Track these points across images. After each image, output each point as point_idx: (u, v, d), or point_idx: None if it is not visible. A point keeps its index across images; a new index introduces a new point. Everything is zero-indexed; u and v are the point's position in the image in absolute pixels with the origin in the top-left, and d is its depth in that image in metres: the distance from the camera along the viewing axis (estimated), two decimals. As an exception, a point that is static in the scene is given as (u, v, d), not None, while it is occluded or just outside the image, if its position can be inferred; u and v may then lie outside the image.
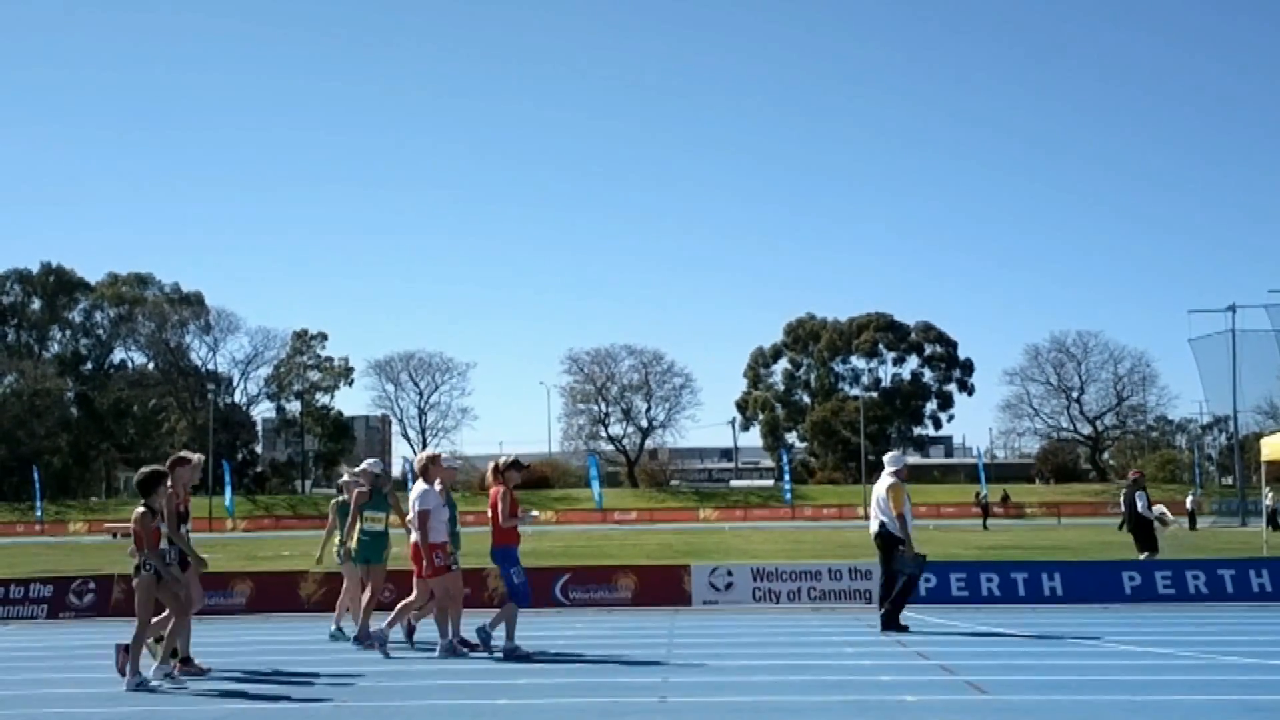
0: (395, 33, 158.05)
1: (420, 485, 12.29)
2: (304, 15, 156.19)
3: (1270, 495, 42.51)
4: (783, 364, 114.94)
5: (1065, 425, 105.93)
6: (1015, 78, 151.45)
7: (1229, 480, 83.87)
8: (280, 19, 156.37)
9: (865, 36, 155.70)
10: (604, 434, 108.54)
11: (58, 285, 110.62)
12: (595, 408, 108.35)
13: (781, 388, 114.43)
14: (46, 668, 12.58)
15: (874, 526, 13.79)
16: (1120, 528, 20.08)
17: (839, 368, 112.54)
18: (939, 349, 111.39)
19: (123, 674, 10.77)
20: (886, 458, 14.40)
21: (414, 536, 12.38)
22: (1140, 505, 19.81)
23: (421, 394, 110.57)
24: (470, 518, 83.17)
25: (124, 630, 16.04)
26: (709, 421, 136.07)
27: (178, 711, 9.71)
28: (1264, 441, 25.20)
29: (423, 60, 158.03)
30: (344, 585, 13.97)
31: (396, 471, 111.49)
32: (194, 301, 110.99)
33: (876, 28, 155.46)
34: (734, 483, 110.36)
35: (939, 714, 8.79)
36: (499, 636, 12.24)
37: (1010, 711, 8.87)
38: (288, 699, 10.12)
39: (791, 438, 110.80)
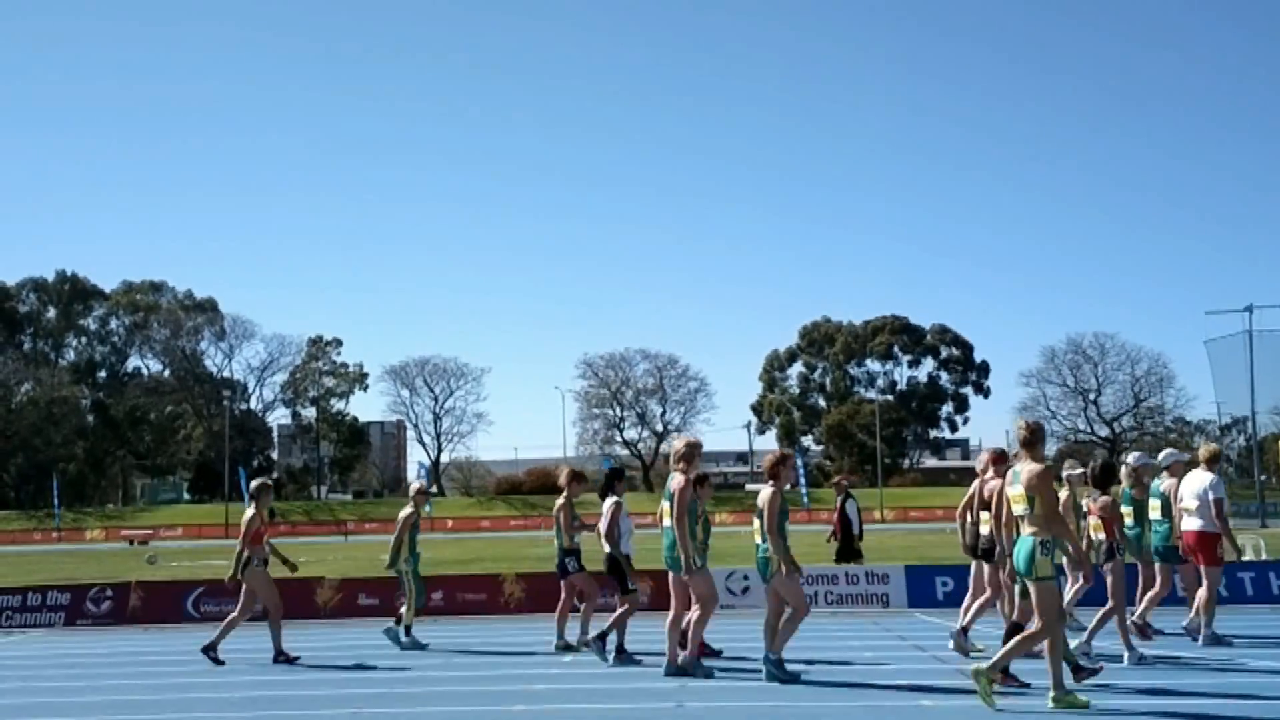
0: (407, 41, 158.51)
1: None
2: (317, 25, 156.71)
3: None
4: (798, 367, 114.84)
5: (1083, 427, 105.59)
6: (1029, 81, 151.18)
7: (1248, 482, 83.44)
8: (293, 28, 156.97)
9: (879, 41, 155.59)
10: (619, 438, 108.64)
11: (73, 293, 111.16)
12: (610, 412, 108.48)
13: (797, 391, 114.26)
14: (64, 676, 12.59)
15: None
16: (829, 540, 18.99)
17: (854, 371, 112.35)
18: (955, 351, 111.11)
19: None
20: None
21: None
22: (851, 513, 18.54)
23: (436, 399, 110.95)
24: (485, 523, 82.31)
25: (139, 635, 16.07)
26: (724, 425, 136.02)
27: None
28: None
29: (436, 68, 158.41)
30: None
31: (411, 475, 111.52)
32: (208, 308, 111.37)
33: (892, 31, 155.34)
34: (750, 486, 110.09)
35: (957, 718, 8.74)
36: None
37: (1029, 715, 8.81)
38: (308, 706, 10.10)
39: (807, 441, 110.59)
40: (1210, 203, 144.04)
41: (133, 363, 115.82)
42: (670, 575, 11.11)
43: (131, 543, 64.52)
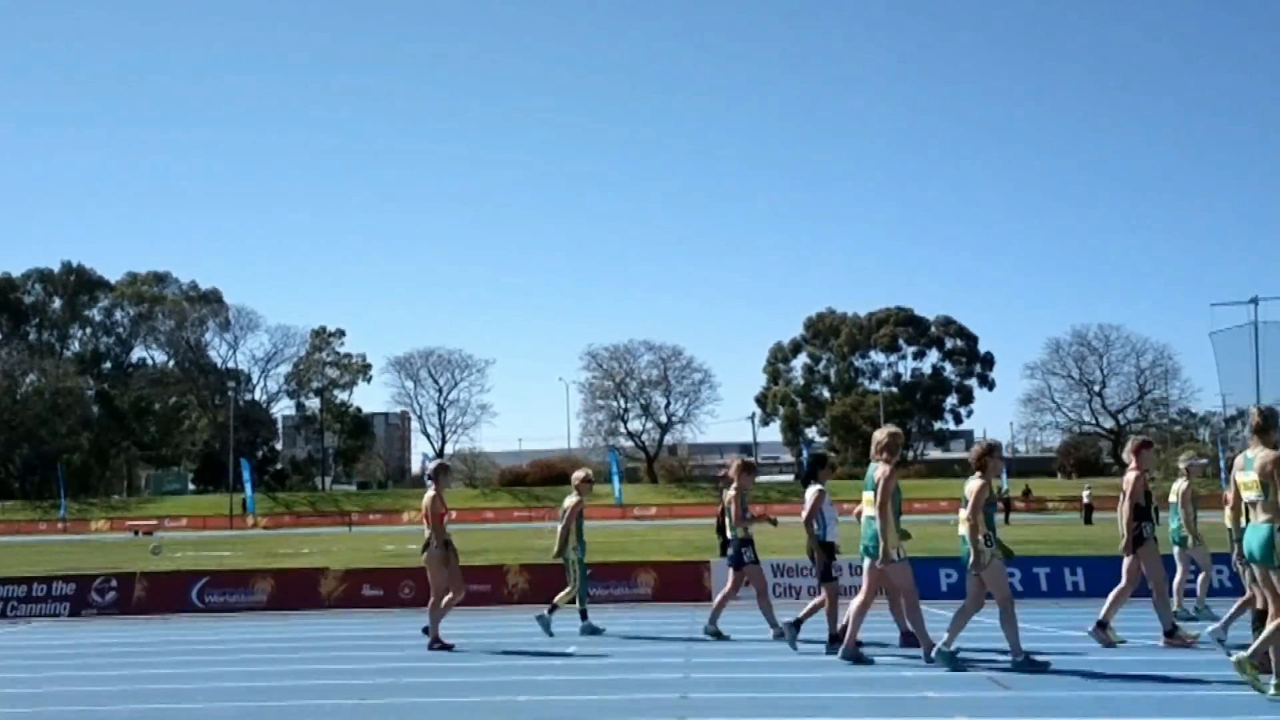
0: (412, 34, 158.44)
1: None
2: (321, 19, 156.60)
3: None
4: (802, 359, 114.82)
5: (1087, 419, 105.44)
6: (1036, 74, 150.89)
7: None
8: (296, 23, 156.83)
9: (884, 33, 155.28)
10: (623, 430, 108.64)
11: (78, 284, 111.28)
12: (614, 404, 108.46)
13: (801, 383, 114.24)
14: (69, 665, 12.61)
15: None
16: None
17: (859, 362, 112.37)
18: (959, 343, 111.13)
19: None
20: None
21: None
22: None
23: (441, 391, 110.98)
24: (489, 514, 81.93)
25: (144, 625, 16.10)
26: (728, 417, 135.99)
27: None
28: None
29: (440, 61, 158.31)
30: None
31: (415, 469, 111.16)
32: (212, 299, 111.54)
33: (892, 29, 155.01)
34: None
35: (961, 710, 8.73)
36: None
37: (1033, 707, 8.81)
38: (312, 695, 10.12)
39: (811, 433, 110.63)
40: (1216, 195, 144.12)
41: (137, 353, 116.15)
42: (865, 562, 11.09)
43: (136, 533, 64.61)
